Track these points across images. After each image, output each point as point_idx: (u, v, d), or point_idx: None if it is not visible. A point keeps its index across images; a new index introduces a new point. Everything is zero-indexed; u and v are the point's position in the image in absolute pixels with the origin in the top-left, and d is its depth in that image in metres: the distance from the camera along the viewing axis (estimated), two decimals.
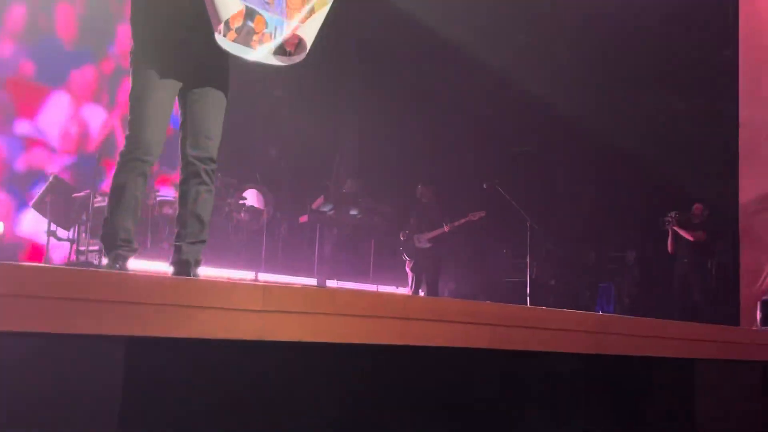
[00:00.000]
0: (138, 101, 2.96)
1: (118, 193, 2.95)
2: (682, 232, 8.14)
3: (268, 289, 1.68)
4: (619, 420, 2.47)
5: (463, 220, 8.30)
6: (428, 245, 8.22)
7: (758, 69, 6.79)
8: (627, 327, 2.48)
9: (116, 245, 2.91)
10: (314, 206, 9.20)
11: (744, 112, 6.80)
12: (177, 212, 3.12)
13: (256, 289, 1.69)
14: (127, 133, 2.98)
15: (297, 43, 3.09)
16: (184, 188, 3.06)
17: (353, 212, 9.24)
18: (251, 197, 8.68)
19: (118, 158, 2.99)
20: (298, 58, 3.11)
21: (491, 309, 2.11)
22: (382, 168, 10.56)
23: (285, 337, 1.69)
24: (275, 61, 3.07)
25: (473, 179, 10.39)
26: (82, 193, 6.95)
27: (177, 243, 3.06)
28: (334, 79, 10.75)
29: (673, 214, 8.27)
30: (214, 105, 3.11)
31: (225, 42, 2.92)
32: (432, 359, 1.98)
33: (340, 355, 1.80)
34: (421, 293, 8.15)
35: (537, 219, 8.18)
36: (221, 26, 2.88)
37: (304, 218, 9.23)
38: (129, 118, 2.98)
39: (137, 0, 3.03)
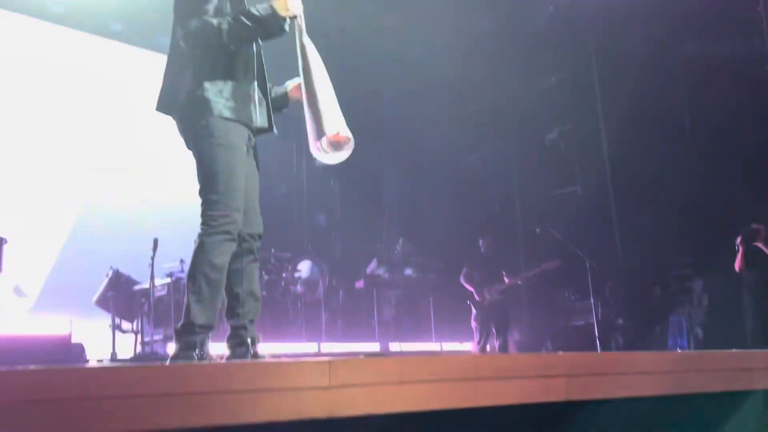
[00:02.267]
0: (229, 174, 2.90)
1: (218, 275, 2.85)
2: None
3: (333, 364, 1.65)
4: None
5: (537, 270, 8.20)
6: (500, 297, 8.15)
7: None
8: (707, 362, 2.37)
9: (211, 328, 2.85)
10: (368, 270, 9.21)
11: None
12: (228, 290, 3.04)
13: (321, 365, 1.66)
14: (220, 210, 2.86)
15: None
16: (236, 266, 3.02)
17: (408, 272, 9.21)
18: (306, 269, 8.73)
19: (204, 233, 2.86)
20: (347, 152, 3.27)
21: (565, 359, 2.03)
22: (428, 224, 10.54)
23: (354, 412, 1.65)
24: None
25: (521, 226, 10.31)
26: (142, 285, 7.08)
27: (236, 323, 3.01)
28: (371, 142, 10.90)
29: (753, 228, 7.77)
30: (257, 180, 3.15)
31: (322, 153, 3.20)
32: (506, 417, 1.91)
33: (412, 425, 1.75)
34: (495, 344, 8.05)
35: (595, 258, 8.03)
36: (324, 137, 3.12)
37: (360, 283, 9.24)
38: (222, 195, 2.88)
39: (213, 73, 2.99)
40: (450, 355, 1.87)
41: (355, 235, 10.80)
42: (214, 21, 2.90)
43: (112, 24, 9.09)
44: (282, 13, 2.99)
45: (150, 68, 9.28)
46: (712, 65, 8.94)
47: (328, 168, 11.01)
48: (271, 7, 2.98)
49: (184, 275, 6.97)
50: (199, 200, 3.01)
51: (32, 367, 1.41)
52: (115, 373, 1.46)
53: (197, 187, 3.01)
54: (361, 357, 1.72)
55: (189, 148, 3.06)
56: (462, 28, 9.00)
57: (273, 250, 8.14)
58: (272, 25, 2.99)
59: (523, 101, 10.41)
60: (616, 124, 9.84)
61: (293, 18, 3.06)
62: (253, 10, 2.96)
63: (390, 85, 10.42)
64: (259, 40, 3.10)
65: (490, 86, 10.02)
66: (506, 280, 8.36)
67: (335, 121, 3.17)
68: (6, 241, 5.33)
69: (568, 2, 9.34)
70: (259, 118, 3.08)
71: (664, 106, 9.40)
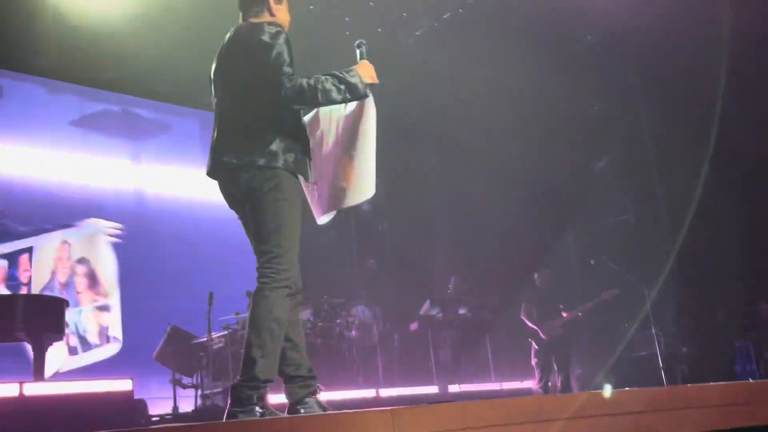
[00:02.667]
0: (291, 228, 2.99)
1: (281, 329, 2.89)
2: None
3: (396, 412, 1.64)
4: None
5: (597, 300, 8.11)
6: (561, 332, 8.06)
7: None
8: None
9: (272, 382, 2.86)
10: (422, 312, 9.15)
11: None
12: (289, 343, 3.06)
13: (384, 414, 1.65)
14: (282, 264, 2.93)
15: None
16: (293, 318, 3.06)
17: (462, 311, 9.12)
18: (359, 313, 8.72)
19: (266, 287, 2.92)
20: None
21: (632, 396, 1.99)
22: (479, 261, 10.45)
23: None
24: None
25: (575, 258, 10.15)
26: (200, 339, 7.15)
27: (301, 374, 3.01)
28: (417, 180, 10.94)
29: None
30: None
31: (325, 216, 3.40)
32: None
33: None
34: (557, 380, 7.90)
35: (653, 286, 7.87)
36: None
37: (414, 326, 9.18)
38: (286, 249, 2.95)
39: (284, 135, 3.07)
40: (513, 397, 1.84)
41: (406, 276, 10.77)
42: (311, 81, 2.99)
43: (157, 85, 9.41)
44: (367, 80, 3.14)
45: (193, 126, 9.60)
46: (762, 86, 8.78)
47: (376, 211, 11.13)
48: (358, 73, 3.12)
49: (238, 326, 7.05)
50: (249, 251, 3.08)
51: None
52: None
53: (240, 237, 3.13)
54: (424, 405, 1.71)
55: (241, 199, 3.10)
56: (501, 64, 9.04)
57: (326, 297, 8.16)
58: (360, 91, 3.12)
59: (568, 132, 10.35)
60: (666, 149, 9.69)
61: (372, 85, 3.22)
62: (343, 75, 3.08)
63: (435, 122, 10.49)
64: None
65: (534, 119, 9.98)
66: (564, 314, 8.25)
67: (366, 190, 3.30)
68: (68, 304, 5.47)
69: (606, 31, 9.31)
70: (310, 173, 3.16)
71: (713, 127, 9.24)
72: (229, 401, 2.85)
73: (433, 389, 8.03)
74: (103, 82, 9.01)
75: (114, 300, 8.52)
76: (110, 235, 8.69)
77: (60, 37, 7.85)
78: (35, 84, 8.66)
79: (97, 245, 8.63)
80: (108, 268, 8.63)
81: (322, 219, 3.43)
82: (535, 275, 8.56)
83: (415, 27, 9.23)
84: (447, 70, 9.30)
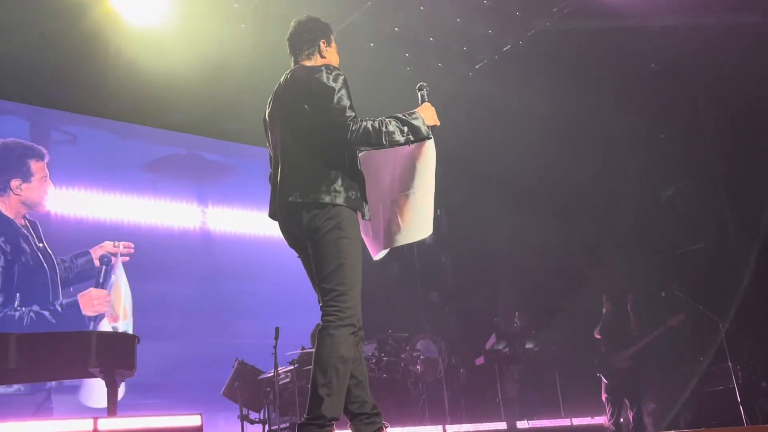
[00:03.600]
0: (353, 267, 3.03)
1: (346, 368, 2.91)
2: None
3: None
4: None
5: (662, 329, 7.93)
6: (629, 363, 7.88)
7: None
8: None
9: (338, 420, 2.87)
10: (488, 346, 9.04)
11: None
12: (354, 381, 3.05)
13: None
14: (346, 302, 2.97)
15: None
16: (357, 355, 3.06)
17: (529, 345, 8.97)
18: (424, 348, 8.65)
19: (331, 325, 2.95)
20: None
21: None
22: (544, 293, 10.27)
23: None
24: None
25: (644, 289, 9.86)
26: (267, 374, 7.21)
27: (367, 410, 3.00)
28: (479, 211, 10.87)
29: None
30: None
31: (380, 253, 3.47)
32: None
33: None
34: (630, 416, 7.69)
35: (728, 317, 7.61)
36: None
37: (480, 360, 9.05)
38: (349, 287, 2.99)
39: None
40: None
41: (471, 310, 10.67)
42: (375, 123, 3.06)
43: (225, 125, 9.69)
44: (429, 123, 3.19)
45: (256, 166, 9.81)
46: None
47: (439, 244, 11.08)
48: (420, 116, 3.17)
49: (299, 362, 7.08)
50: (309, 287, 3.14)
51: None
52: None
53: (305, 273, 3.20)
54: None
55: (302, 238, 3.14)
56: (563, 96, 8.97)
57: (390, 331, 8.15)
58: (422, 133, 3.16)
59: (634, 161, 10.17)
60: (735, 175, 9.41)
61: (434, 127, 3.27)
62: (406, 117, 3.14)
63: (496, 154, 10.44)
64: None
65: (598, 150, 9.85)
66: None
67: (423, 229, 3.34)
68: (139, 340, 5.61)
69: (670, 58, 9.16)
70: (367, 212, 3.20)
71: None
72: None
73: (501, 425, 7.88)
74: (172, 123, 9.35)
75: (129, 325, 8.59)
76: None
77: (132, 83, 8.22)
78: (106, 131, 9.03)
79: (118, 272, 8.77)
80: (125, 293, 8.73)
81: (378, 256, 3.46)
82: (603, 309, 8.42)
83: (476, 60, 9.26)
84: (508, 103, 9.29)
